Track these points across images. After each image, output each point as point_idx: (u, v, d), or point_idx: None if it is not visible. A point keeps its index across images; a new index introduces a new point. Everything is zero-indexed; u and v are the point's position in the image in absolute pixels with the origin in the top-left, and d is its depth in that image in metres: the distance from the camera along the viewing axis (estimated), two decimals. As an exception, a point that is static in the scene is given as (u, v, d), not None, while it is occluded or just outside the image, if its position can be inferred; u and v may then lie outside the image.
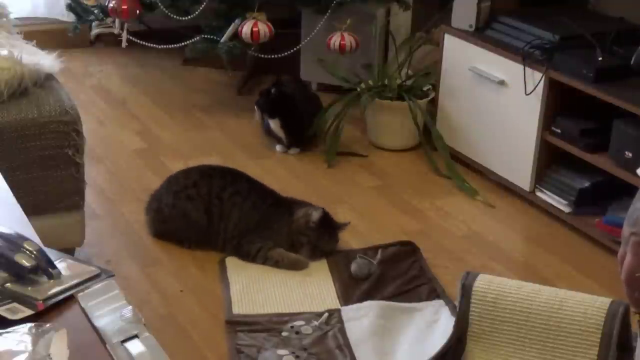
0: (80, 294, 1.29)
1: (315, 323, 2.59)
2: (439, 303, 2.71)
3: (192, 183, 3.01)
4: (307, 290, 2.79)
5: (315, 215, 2.92)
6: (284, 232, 2.94)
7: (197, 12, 3.86)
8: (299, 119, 3.71)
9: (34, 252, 1.32)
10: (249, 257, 2.92)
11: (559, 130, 3.21)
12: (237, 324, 2.59)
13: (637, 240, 1.44)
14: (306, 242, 2.92)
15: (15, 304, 1.26)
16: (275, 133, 3.71)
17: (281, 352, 2.44)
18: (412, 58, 3.89)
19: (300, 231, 2.92)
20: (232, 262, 2.92)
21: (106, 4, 3.81)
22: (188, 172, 3.09)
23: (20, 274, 1.30)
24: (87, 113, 3.77)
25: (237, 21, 3.87)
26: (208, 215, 2.96)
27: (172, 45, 3.89)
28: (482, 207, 3.39)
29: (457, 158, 3.65)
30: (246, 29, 3.68)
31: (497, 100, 3.43)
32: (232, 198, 2.97)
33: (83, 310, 1.26)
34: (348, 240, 3.06)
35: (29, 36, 3.07)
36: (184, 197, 2.99)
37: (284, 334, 2.55)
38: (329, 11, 3.89)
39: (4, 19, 3.10)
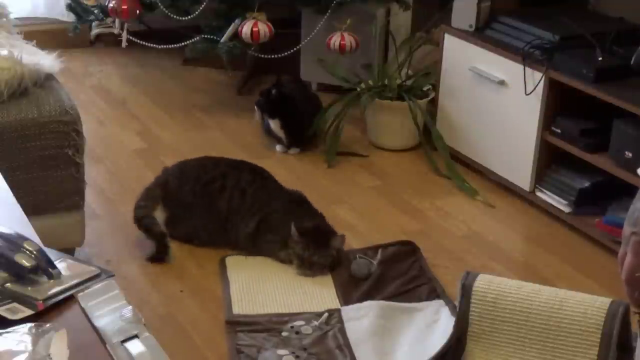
0: (80, 294, 1.29)
1: (315, 323, 2.59)
2: (439, 303, 2.71)
3: (221, 174, 3.01)
4: (307, 290, 2.79)
5: (293, 230, 2.86)
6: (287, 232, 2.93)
7: (197, 12, 3.86)
8: (299, 119, 3.71)
9: (34, 252, 1.32)
10: (259, 252, 2.94)
11: (559, 130, 3.21)
12: (237, 324, 2.59)
13: (637, 240, 1.43)
14: (292, 254, 2.88)
15: (15, 304, 1.26)
16: (275, 133, 3.71)
17: (281, 352, 2.44)
18: (412, 58, 3.89)
19: (287, 244, 2.90)
20: (232, 262, 2.92)
21: (106, 4, 3.81)
22: (217, 163, 3.09)
23: (20, 274, 1.30)
24: (87, 113, 3.78)
25: (237, 21, 3.87)
26: (228, 208, 2.97)
27: (172, 45, 3.89)
28: (482, 207, 3.39)
29: (457, 158, 3.65)
30: (246, 29, 3.68)
31: (497, 100, 3.43)
32: (255, 193, 2.97)
33: (83, 310, 1.26)
34: (348, 240, 3.06)
35: (29, 36, 3.07)
36: (208, 191, 2.98)
37: (284, 334, 2.55)
38: (329, 11, 3.89)
39: (4, 19, 3.10)
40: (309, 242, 2.86)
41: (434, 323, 2.60)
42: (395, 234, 3.13)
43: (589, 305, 2.12)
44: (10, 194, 1.58)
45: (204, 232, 3.00)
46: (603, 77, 3.03)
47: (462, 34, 3.55)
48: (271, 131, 3.72)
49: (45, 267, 1.32)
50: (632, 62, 2.99)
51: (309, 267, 2.86)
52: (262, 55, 3.92)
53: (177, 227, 3.03)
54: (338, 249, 2.91)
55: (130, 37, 3.80)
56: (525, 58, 3.23)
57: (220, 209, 2.97)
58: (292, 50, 3.90)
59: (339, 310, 2.66)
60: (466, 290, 2.20)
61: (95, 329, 1.22)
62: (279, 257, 2.92)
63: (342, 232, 2.97)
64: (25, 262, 1.30)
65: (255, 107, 3.70)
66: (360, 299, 2.72)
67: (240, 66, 4.38)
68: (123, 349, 1.18)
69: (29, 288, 1.29)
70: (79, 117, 2.68)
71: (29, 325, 1.20)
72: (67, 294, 1.29)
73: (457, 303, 2.24)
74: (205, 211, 2.99)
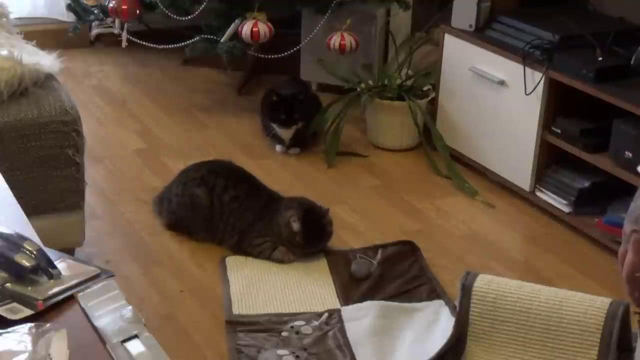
0: (80, 294, 1.29)
1: (315, 323, 2.59)
2: (439, 303, 2.71)
3: (200, 177, 3.06)
4: (307, 290, 2.79)
5: (295, 226, 2.89)
6: (275, 229, 2.94)
7: (197, 12, 3.86)
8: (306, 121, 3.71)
9: (34, 252, 1.32)
10: (250, 255, 2.95)
11: (559, 130, 3.21)
12: (237, 324, 2.59)
13: (638, 237, 1.43)
14: (295, 251, 2.93)
15: (15, 304, 1.26)
16: (280, 135, 3.69)
17: (281, 352, 2.44)
18: (412, 58, 3.89)
19: (287, 239, 2.92)
20: (232, 262, 2.92)
21: (106, 4, 3.81)
22: (198, 167, 3.14)
23: (20, 274, 1.30)
24: (87, 113, 3.77)
25: (237, 21, 3.87)
26: (211, 209, 3.00)
27: (172, 45, 3.89)
28: (482, 207, 3.38)
29: (457, 158, 3.65)
30: (246, 29, 3.68)
31: (497, 100, 3.43)
32: (231, 204, 2.99)
33: (83, 310, 1.26)
34: (348, 240, 3.06)
35: (29, 36, 3.07)
36: (192, 185, 3.04)
37: (284, 334, 2.55)
38: (329, 11, 3.89)
39: (4, 19, 3.10)
40: (308, 236, 2.91)
41: (434, 323, 2.60)
42: (395, 234, 3.13)
43: (589, 305, 2.12)
44: (10, 194, 1.57)
45: (198, 226, 3.03)
46: (603, 77, 3.03)
47: (462, 34, 3.55)
48: (276, 134, 3.69)
49: (45, 267, 1.32)
50: (632, 62, 3.00)
51: (302, 255, 2.94)
52: (262, 55, 3.92)
53: (178, 228, 3.08)
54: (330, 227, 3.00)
55: (130, 37, 3.80)
56: (525, 58, 3.23)
57: (205, 201, 3.01)
58: (292, 50, 3.90)
59: (339, 310, 2.66)
60: (466, 290, 2.19)
61: (95, 329, 1.22)
62: (274, 259, 2.92)
63: (344, 235, 3.00)
64: (25, 262, 1.30)
65: (276, 124, 3.64)
66: (360, 299, 2.72)
67: (240, 66, 4.38)
68: (123, 349, 1.18)
69: (29, 288, 1.29)
70: (79, 117, 2.67)
71: (29, 325, 1.20)
72: (67, 294, 1.29)
73: (457, 303, 2.23)
74: (189, 205, 3.04)
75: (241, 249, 2.96)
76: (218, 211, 2.99)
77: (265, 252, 2.93)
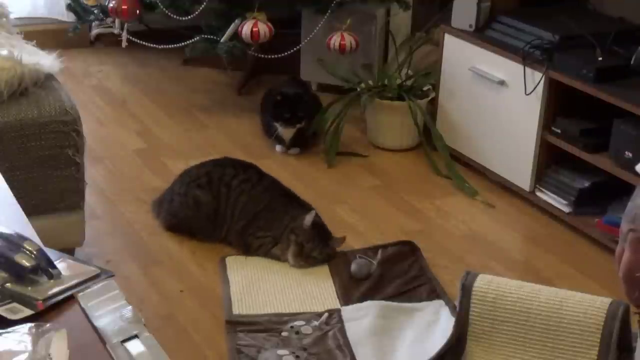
0: (80, 294, 1.29)
1: (315, 323, 2.59)
2: (439, 303, 2.71)
3: (205, 172, 3.07)
4: (307, 290, 2.79)
5: (308, 218, 2.90)
6: (283, 225, 2.94)
7: (197, 12, 3.86)
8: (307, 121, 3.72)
9: (34, 252, 1.32)
10: (250, 249, 2.95)
11: (559, 130, 3.21)
12: (237, 324, 2.59)
13: (635, 236, 1.43)
14: (294, 241, 2.90)
15: (15, 304, 1.26)
16: (281, 135, 3.69)
17: (281, 352, 2.44)
18: (412, 58, 3.89)
19: (292, 229, 2.92)
20: (232, 262, 2.92)
21: (106, 4, 3.81)
22: (203, 164, 3.14)
23: (20, 274, 1.30)
24: (87, 113, 3.78)
25: (237, 21, 3.87)
26: (216, 202, 3.00)
27: (172, 45, 3.89)
28: (482, 207, 3.38)
29: (457, 158, 3.65)
30: (246, 29, 3.68)
31: (497, 100, 3.43)
32: (241, 185, 3.00)
33: (83, 310, 1.26)
34: (348, 240, 3.06)
35: (29, 36, 3.07)
36: (194, 185, 3.04)
37: (284, 334, 2.55)
38: (329, 11, 3.89)
39: (4, 19, 3.10)
40: (315, 236, 2.90)
41: (434, 323, 2.60)
42: (395, 234, 3.13)
43: (589, 305, 2.12)
44: (10, 194, 1.58)
45: (200, 228, 3.02)
46: (603, 77, 3.03)
47: (462, 34, 3.55)
48: (278, 135, 3.69)
49: (45, 267, 1.32)
50: (632, 62, 3.00)
51: (304, 259, 2.89)
52: (262, 55, 3.92)
53: (179, 230, 3.07)
54: (334, 248, 2.96)
55: (130, 37, 3.80)
56: (525, 58, 3.23)
57: (208, 201, 3.00)
58: (292, 50, 3.90)
59: (339, 310, 2.66)
60: (466, 290, 2.19)
61: (95, 329, 1.22)
62: (272, 255, 2.92)
63: (343, 234, 2.99)
64: (25, 262, 1.30)
65: (279, 125, 3.64)
66: (360, 299, 2.72)
67: (240, 66, 4.38)
68: (123, 349, 1.18)
69: (29, 288, 1.29)
70: (79, 117, 2.68)
71: (29, 325, 1.20)
72: (67, 294, 1.29)
73: (457, 303, 2.24)
74: (192, 206, 3.03)
75: (243, 238, 2.95)
76: (224, 199, 2.98)
77: (266, 246, 2.92)
